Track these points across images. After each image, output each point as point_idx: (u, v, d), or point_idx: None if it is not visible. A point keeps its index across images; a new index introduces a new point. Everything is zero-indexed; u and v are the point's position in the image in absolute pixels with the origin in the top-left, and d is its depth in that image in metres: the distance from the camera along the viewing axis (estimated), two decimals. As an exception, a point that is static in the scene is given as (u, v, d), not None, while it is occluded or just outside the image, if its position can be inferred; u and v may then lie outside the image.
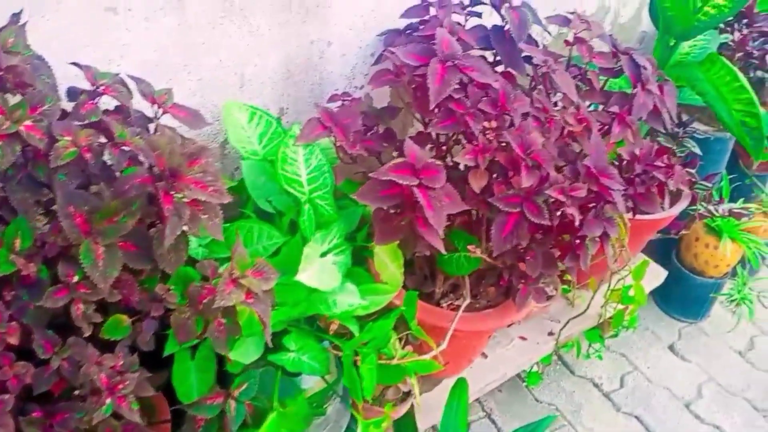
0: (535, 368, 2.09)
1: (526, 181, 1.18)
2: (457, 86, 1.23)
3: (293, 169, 1.22)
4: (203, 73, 1.36)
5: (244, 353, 1.14)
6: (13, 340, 0.93)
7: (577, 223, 1.22)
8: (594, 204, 1.30)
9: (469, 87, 1.27)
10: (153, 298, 1.04)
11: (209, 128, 1.45)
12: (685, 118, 2.08)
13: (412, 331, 1.33)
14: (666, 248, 2.35)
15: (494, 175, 1.27)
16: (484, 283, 1.62)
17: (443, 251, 1.16)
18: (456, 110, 1.22)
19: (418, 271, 1.62)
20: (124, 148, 1.00)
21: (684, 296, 2.35)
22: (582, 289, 1.99)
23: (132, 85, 1.13)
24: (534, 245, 1.39)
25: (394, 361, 1.31)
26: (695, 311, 2.37)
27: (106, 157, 1.00)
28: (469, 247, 1.32)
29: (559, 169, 1.30)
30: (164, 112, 1.14)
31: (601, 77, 1.43)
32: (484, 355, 1.89)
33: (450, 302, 1.60)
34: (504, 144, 1.21)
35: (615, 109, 1.35)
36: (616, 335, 2.04)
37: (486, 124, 1.22)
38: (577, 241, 1.32)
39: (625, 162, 1.37)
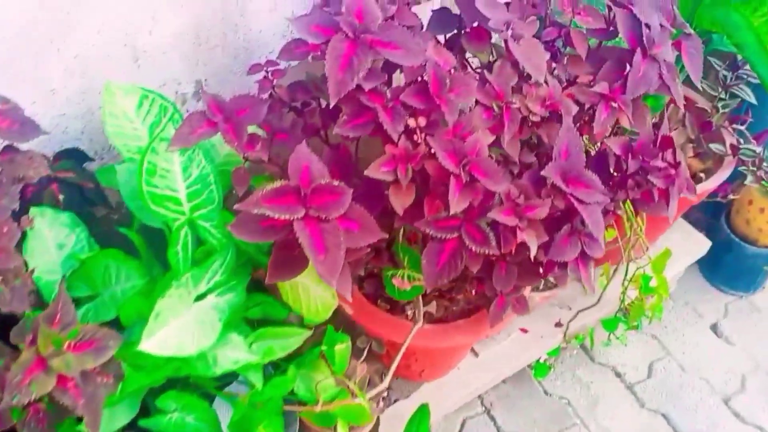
0: (544, 357, 1.81)
1: (457, 204, 0.87)
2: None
3: (166, 183, 0.95)
4: (79, 49, 1.08)
5: (107, 419, 0.92)
6: None
7: (532, 254, 0.91)
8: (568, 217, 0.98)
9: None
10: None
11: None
12: (740, 59, 1.66)
13: (335, 374, 1.07)
14: (715, 211, 1.98)
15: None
16: (457, 286, 1.34)
17: (348, 299, 0.88)
18: (372, 104, 0.91)
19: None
20: None
21: (734, 267, 1.99)
22: (599, 270, 1.67)
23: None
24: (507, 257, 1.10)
25: (318, 408, 1.06)
26: (746, 283, 2.01)
27: None
28: (393, 280, 1.03)
29: (520, 173, 0.99)
30: (-19, 121, 0.88)
31: (593, 40, 1.07)
32: (475, 353, 1.62)
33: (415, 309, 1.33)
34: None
35: (600, 87, 1.00)
36: (636, 327, 1.72)
37: (411, 121, 0.91)
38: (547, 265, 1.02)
39: (616, 156, 1.02)
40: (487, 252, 0.92)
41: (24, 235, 0.99)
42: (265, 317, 1.07)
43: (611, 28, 1.04)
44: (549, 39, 1.04)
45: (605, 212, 1.05)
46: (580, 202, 0.93)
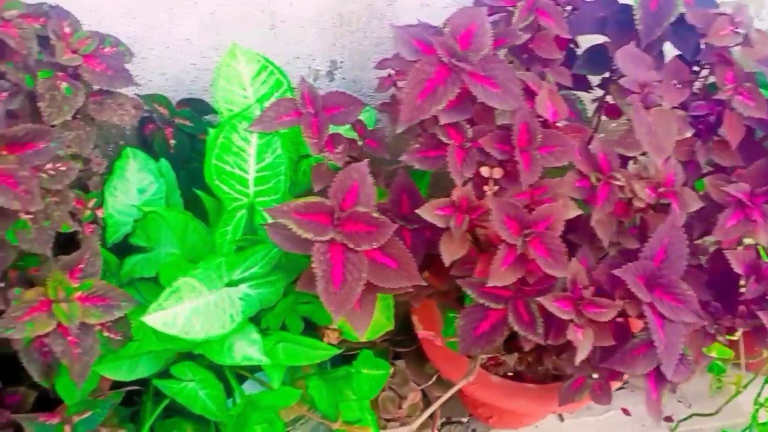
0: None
1: (501, 277, 0.76)
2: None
3: (238, 162, 0.94)
4: (215, 6, 1.09)
5: (119, 370, 0.94)
6: None
7: (579, 358, 0.78)
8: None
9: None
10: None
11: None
12: None
13: (359, 398, 1.01)
14: None
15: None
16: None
17: (361, 337, 0.81)
18: (447, 140, 0.81)
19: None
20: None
21: None
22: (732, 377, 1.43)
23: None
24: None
25: (335, 426, 1.02)
26: None
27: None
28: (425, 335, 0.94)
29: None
30: (85, 60, 0.91)
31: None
32: (560, 417, 1.47)
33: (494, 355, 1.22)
34: (499, 208, 0.79)
35: (735, 188, 0.81)
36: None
37: (485, 170, 0.80)
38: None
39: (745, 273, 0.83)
40: (530, 338, 0.80)
41: (112, 171, 1.04)
42: (312, 315, 1.03)
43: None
44: (698, 114, 0.86)
45: (705, 335, 0.87)
46: (660, 317, 0.77)
